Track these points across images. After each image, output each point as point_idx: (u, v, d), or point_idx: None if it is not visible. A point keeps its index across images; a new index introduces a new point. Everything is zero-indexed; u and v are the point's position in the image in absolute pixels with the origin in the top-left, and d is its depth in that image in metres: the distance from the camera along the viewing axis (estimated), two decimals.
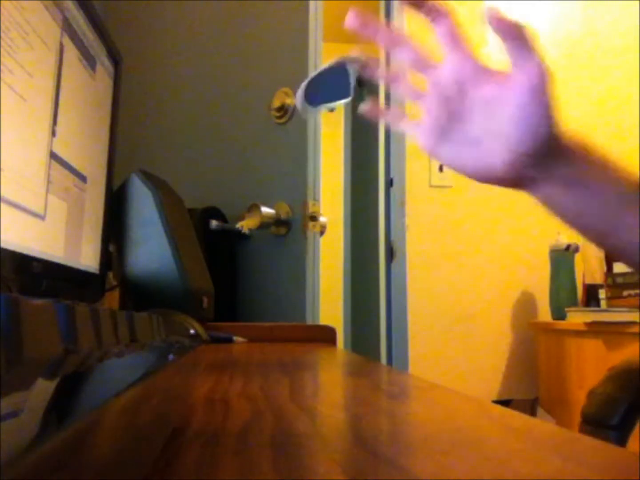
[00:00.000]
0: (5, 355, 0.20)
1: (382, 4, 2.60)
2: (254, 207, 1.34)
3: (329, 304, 3.48)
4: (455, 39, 0.49)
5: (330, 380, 0.47)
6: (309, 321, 1.31)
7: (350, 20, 0.50)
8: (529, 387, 2.36)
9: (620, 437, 0.69)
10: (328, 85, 0.44)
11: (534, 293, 2.38)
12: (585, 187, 0.50)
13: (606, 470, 0.19)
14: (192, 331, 0.86)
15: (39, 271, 0.63)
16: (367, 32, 0.50)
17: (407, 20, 2.53)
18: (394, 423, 0.26)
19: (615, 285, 2.04)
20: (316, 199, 1.35)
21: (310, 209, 1.34)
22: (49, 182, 0.66)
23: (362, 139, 3.92)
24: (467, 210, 2.46)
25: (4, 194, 0.55)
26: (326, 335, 1.04)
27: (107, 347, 0.33)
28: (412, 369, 2.21)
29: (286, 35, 1.41)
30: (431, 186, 2.46)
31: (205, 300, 1.06)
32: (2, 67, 0.54)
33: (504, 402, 2.27)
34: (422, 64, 0.51)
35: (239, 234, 1.36)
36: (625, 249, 0.50)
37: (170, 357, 0.47)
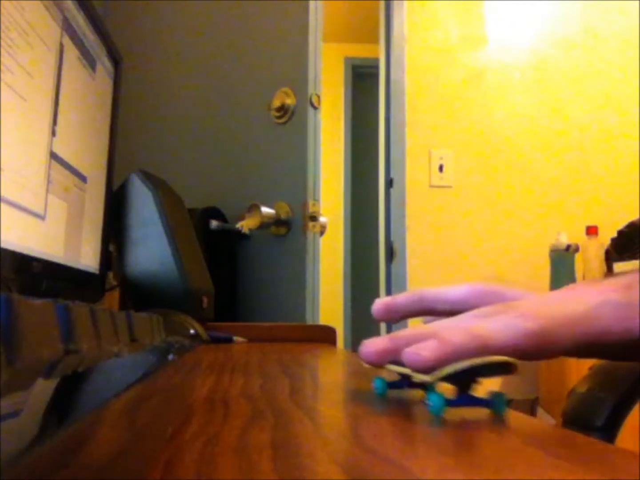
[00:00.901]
0: (5, 355, 0.20)
1: (382, 4, 2.60)
2: (254, 207, 1.34)
3: (329, 304, 3.49)
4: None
5: (330, 380, 0.47)
6: (309, 321, 1.31)
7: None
8: (529, 387, 2.36)
9: (606, 439, 0.65)
10: None
11: None
12: None
13: (606, 470, 0.19)
14: (192, 331, 0.86)
15: (39, 271, 0.63)
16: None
17: (407, 20, 2.53)
18: (394, 423, 0.26)
19: None
20: (316, 199, 1.35)
21: (310, 209, 1.34)
22: (49, 182, 0.66)
23: (362, 139, 3.93)
24: (467, 210, 2.46)
25: (4, 194, 0.55)
26: (326, 335, 1.04)
27: (107, 347, 0.33)
28: None
29: (286, 35, 1.41)
30: (431, 186, 2.46)
31: (205, 300, 1.06)
32: (2, 67, 0.54)
33: None
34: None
35: (239, 234, 1.36)
36: None
37: (170, 357, 0.47)
